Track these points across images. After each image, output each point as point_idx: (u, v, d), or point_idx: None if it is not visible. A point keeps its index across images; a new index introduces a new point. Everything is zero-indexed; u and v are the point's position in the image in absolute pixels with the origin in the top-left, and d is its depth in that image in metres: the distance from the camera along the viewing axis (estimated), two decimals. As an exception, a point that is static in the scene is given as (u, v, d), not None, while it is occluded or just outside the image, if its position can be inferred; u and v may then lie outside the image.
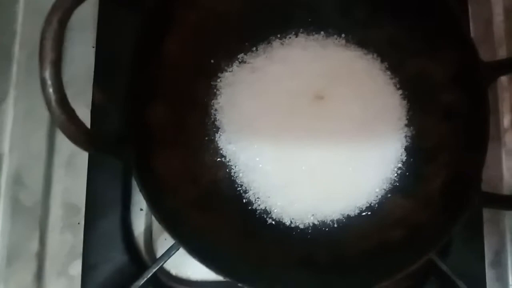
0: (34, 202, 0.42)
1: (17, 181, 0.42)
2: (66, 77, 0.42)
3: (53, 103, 0.26)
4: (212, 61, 0.41)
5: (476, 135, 0.37)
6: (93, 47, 0.44)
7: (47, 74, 0.26)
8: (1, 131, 0.42)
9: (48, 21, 0.26)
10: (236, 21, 0.42)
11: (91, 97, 0.42)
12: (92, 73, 0.43)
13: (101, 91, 0.42)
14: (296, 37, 0.43)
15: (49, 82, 0.26)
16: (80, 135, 0.28)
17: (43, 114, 0.43)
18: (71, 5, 0.27)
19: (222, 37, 0.41)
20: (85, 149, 0.29)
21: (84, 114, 0.41)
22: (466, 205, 0.36)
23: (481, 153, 0.36)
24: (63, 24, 0.27)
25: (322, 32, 0.43)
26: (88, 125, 0.41)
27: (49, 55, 0.26)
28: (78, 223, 0.41)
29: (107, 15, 0.43)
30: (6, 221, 0.41)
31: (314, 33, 0.43)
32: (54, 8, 0.27)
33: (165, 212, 0.35)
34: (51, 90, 0.26)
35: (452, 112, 0.40)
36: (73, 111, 0.27)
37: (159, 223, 0.34)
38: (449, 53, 0.39)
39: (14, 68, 0.43)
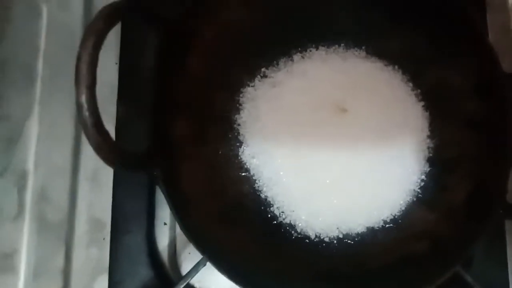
0: (59, 218, 0.42)
1: (42, 197, 0.42)
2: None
3: (90, 126, 0.27)
4: (234, 75, 0.41)
5: (500, 145, 0.37)
6: (116, 63, 0.44)
7: (84, 99, 0.26)
8: (26, 148, 0.43)
9: (83, 45, 0.27)
10: (257, 36, 0.42)
11: (115, 114, 0.42)
12: (116, 90, 0.43)
13: (125, 107, 0.42)
14: (317, 50, 0.43)
15: (85, 106, 0.26)
16: (115, 157, 0.28)
17: (67, 130, 0.43)
18: (105, 28, 0.27)
19: (243, 52, 0.42)
20: (120, 169, 0.29)
21: (108, 130, 0.43)
22: (490, 217, 0.36)
23: (505, 164, 0.37)
24: (97, 48, 0.27)
25: (342, 44, 0.44)
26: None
27: (85, 80, 0.26)
28: (104, 239, 0.42)
29: (130, 31, 0.43)
30: (32, 237, 0.42)
31: (334, 45, 0.43)
32: (88, 32, 0.27)
33: (192, 227, 0.35)
34: (87, 114, 0.26)
35: (475, 122, 0.40)
36: (107, 133, 0.28)
37: (188, 238, 0.34)
38: (469, 61, 0.39)
39: (38, 84, 0.44)
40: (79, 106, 0.26)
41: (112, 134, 0.40)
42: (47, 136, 0.43)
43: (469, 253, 0.35)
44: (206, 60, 0.38)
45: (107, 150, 0.28)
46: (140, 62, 0.42)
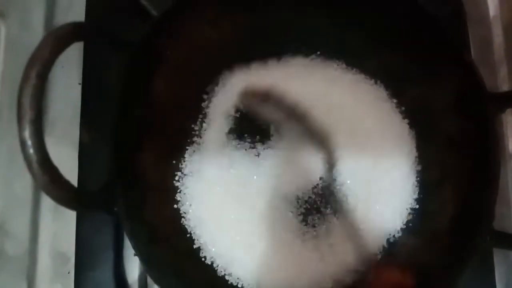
0: (20, 251, 0.39)
1: (2, 230, 0.40)
2: (52, 115, 0.42)
3: (34, 164, 0.24)
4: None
5: (483, 167, 0.35)
6: (79, 83, 0.41)
7: (27, 134, 0.24)
8: (-17, 177, 0.40)
9: (26, 76, 0.24)
10: (225, 56, 0.40)
11: (78, 136, 0.40)
12: (79, 111, 0.40)
13: (88, 130, 0.40)
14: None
15: (29, 143, 0.24)
16: (65, 196, 0.26)
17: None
18: (51, 57, 0.25)
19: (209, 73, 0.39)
20: (72, 208, 0.27)
21: (71, 153, 0.40)
22: (476, 245, 0.34)
23: (490, 188, 0.35)
24: (42, 78, 0.25)
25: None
26: (76, 165, 0.40)
27: (28, 114, 0.24)
28: (68, 273, 0.39)
29: (93, 49, 0.41)
30: (-9, 273, 0.39)
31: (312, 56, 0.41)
32: (31, 61, 0.25)
33: (158, 264, 0.32)
34: (31, 151, 0.24)
35: (457, 142, 0.38)
36: (56, 170, 0.25)
37: (152, 279, 0.32)
38: (450, 79, 0.37)
39: (-4, 109, 0.41)
40: (22, 142, 0.24)
41: (75, 158, 0.39)
42: (4, 165, 0.40)
43: (456, 284, 0.33)
44: (169, 85, 0.36)
45: (57, 189, 0.25)
46: (105, 83, 0.40)
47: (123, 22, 0.38)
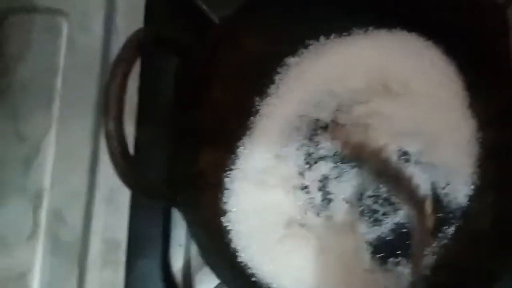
0: (74, 238, 0.41)
1: (57, 217, 0.42)
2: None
3: (117, 155, 0.26)
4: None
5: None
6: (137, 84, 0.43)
7: (112, 128, 0.26)
8: (42, 167, 0.42)
9: (113, 74, 0.27)
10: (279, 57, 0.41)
11: (133, 137, 0.42)
12: (135, 112, 0.42)
13: (144, 133, 0.42)
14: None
15: (113, 136, 0.26)
16: (140, 185, 0.28)
17: (84, 151, 0.43)
18: (135, 57, 0.27)
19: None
20: (144, 197, 0.29)
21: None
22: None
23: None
24: (126, 77, 0.27)
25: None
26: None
27: (113, 109, 0.26)
28: (118, 261, 0.41)
29: (150, 56, 0.43)
30: (46, 257, 0.41)
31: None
32: (118, 60, 0.27)
33: (212, 253, 0.35)
34: (115, 143, 0.26)
35: (496, 150, 0.39)
36: (134, 162, 0.28)
37: (208, 266, 0.34)
38: (494, 91, 0.39)
39: (56, 104, 0.44)
40: (107, 135, 0.26)
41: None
42: (63, 156, 0.43)
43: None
44: (227, 89, 0.38)
45: (133, 179, 0.27)
46: (161, 87, 0.42)
47: (182, 26, 0.40)
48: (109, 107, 0.26)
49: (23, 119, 0.43)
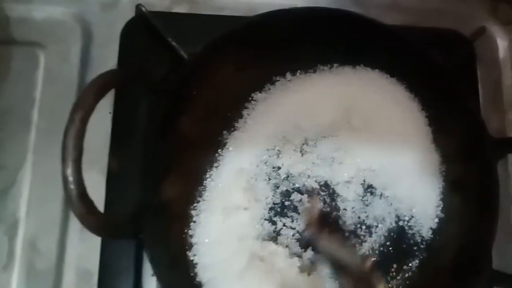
0: (48, 267, 0.42)
1: (32, 246, 0.43)
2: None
3: (74, 198, 0.27)
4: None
5: (485, 209, 0.38)
6: (110, 113, 0.44)
7: (69, 172, 0.27)
8: (18, 196, 0.43)
9: (70, 119, 0.27)
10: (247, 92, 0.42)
11: (106, 164, 0.43)
12: (109, 140, 0.43)
13: (116, 159, 0.43)
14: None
15: (70, 179, 0.27)
16: (98, 226, 0.29)
17: (59, 180, 0.43)
18: (94, 102, 0.28)
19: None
20: (104, 237, 0.30)
21: (99, 181, 0.42)
22: (477, 282, 0.36)
23: (491, 228, 0.37)
24: (85, 122, 0.28)
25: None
26: (103, 192, 0.43)
27: (71, 154, 0.27)
28: (91, 289, 0.42)
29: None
30: (20, 286, 0.42)
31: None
32: (76, 106, 0.28)
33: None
34: (72, 186, 0.27)
35: (459, 184, 0.40)
36: (92, 203, 0.28)
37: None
38: (456, 127, 0.39)
39: (33, 134, 0.45)
40: (64, 178, 0.27)
41: (103, 185, 0.42)
42: (39, 186, 0.43)
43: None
44: (195, 122, 0.39)
45: (92, 221, 0.28)
46: (135, 115, 0.43)
47: (155, 60, 0.41)
48: (66, 152, 0.27)
49: (1, 149, 0.44)
